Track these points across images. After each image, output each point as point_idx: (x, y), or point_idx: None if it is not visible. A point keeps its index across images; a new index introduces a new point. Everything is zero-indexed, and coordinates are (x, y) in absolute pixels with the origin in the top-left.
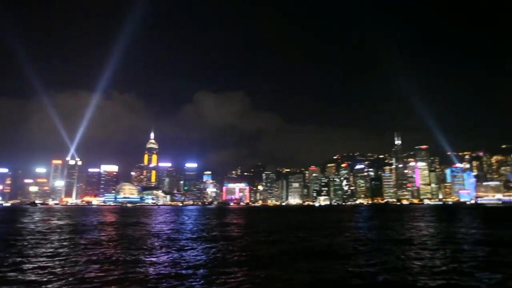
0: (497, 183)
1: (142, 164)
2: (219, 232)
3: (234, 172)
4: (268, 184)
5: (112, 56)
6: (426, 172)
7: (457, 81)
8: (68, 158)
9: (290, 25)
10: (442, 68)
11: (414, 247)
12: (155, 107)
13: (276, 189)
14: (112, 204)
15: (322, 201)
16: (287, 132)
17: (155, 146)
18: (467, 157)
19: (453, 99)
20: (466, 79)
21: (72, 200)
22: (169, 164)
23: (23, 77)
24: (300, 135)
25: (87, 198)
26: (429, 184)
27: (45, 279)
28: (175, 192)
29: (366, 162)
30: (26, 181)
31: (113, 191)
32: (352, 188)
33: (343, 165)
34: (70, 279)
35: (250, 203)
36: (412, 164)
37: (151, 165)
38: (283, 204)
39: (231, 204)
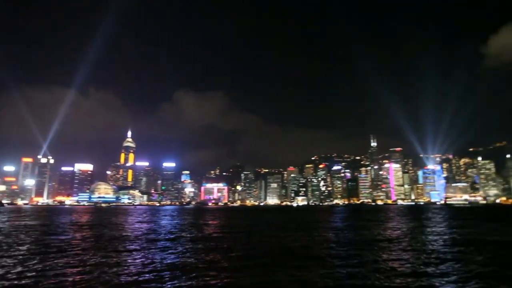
0: (465, 184)
1: (118, 163)
2: (196, 232)
3: (212, 172)
4: (247, 184)
5: (89, 52)
6: (400, 174)
7: (431, 87)
8: (39, 156)
9: (271, 26)
10: (416, 74)
11: (387, 247)
12: (132, 105)
13: (254, 189)
14: (86, 204)
15: (300, 201)
16: (267, 132)
17: (132, 145)
18: (437, 159)
19: (425, 104)
20: (439, 87)
21: (43, 200)
22: (147, 163)
23: None
24: (279, 136)
25: (59, 198)
26: (402, 185)
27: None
28: (152, 192)
29: (343, 163)
30: None
31: (87, 191)
32: (329, 188)
33: (320, 166)
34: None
35: (229, 203)
36: (387, 165)
37: (128, 164)
38: (262, 204)
39: (209, 204)
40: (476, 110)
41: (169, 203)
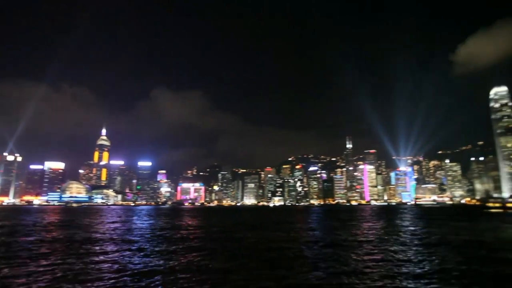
0: (433, 185)
1: (91, 162)
2: (171, 233)
3: (189, 171)
4: (224, 185)
5: (62, 46)
6: (373, 175)
7: (403, 93)
8: (5, 153)
9: (250, 27)
10: (390, 80)
11: (360, 247)
12: (108, 102)
13: (231, 190)
14: (57, 203)
15: (277, 201)
16: (245, 133)
17: (107, 143)
18: (409, 161)
19: (398, 108)
20: (411, 93)
21: (9, 200)
22: (122, 162)
23: None
24: (257, 136)
25: (27, 197)
26: (375, 186)
27: None
28: (127, 191)
29: (319, 164)
30: None
31: (58, 190)
32: (305, 189)
33: (297, 166)
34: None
35: (205, 203)
36: (361, 167)
37: (102, 163)
38: (239, 204)
39: (186, 204)
40: (445, 115)
41: (145, 203)
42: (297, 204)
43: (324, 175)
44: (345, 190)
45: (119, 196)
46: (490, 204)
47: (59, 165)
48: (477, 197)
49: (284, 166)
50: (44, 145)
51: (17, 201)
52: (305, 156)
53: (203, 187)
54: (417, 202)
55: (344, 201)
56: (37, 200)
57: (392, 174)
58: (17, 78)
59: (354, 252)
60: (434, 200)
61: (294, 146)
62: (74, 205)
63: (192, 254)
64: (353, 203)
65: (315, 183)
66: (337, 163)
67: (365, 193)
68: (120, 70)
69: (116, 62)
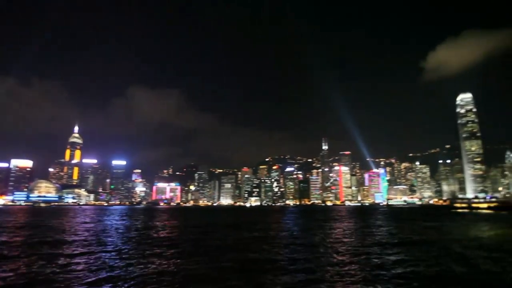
0: (404, 187)
1: (62, 160)
2: (145, 234)
3: (165, 171)
4: (200, 184)
5: (33, 38)
6: (348, 176)
7: (377, 97)
8: None
9: (228, 27)
10: (366, 85)
11: (335, 248)
12: (81, 99)
13: (208, 190)
14: (24, 203)
15: (253, 201)
16: (222, 133)
17: (79, 141)
18: (382, 163)
19: (372, 113)
20: (385, 96)
21: None
22: (95, 161)
23: None
24: (235, 137)
25: None
26: (350, 187)
27: None
28: (100, 191)
29: (296, 165)
30: None
31: (25, 189)
32: (282, 189)
33: (274, 167)
34: None
35: (181, 203)
36: (336, 168)
37: (74, 161)
38: (215, 204)
39: (161, 204)
40: (416, 120)
41: (118, 203)
42: (273, 204)
43: (301, 176)
44: (321, 191)
45: (92, 196)
46: (458, 205)
47: (27, 163)
48: (444, 198)
49: (261, 167)
50: (11, 142)
51: None
52: (282, 156)
53: (179, 187)
54: (388, 203)
55: (320, 201)
56: (1, 200)
57: (366, 176)
58: None
59: (330, 253)
60: (404, 201)
61: (271, 146)
62: (43, 205)
63: (165, 256)
64: (328, 203)
65: (291, 183)
66: (313, 164)
67: (340, 193)
68: (95, 65)
69: (91, 57)
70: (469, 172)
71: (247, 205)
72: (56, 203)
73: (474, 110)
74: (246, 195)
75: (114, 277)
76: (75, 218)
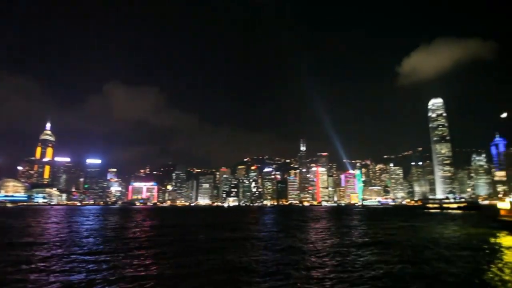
0: (379, 188)
1: (33, 158)
2: (116, 234)
3: (142, 170)
4: (178, 184)
5: (1, 29)
6: (325, 177)
7: (354, 100)
8: None
9: (209, 26)
10: (344, 88)
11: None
12: (55, 94)
13: (185, 189)
14: None
15: (231, 202)
16: (201, 132)
17: (51, 138)
18: (358, 164)
19: (350, 114)
20: (362, 100)
21: None
22: (68, 159)
23: None
24: (213, 136)
25: None
26: (327, 188)
27: None
28: (73, 190)
29: (274, 166)
30: None
31: None
32: (260, 190)
33: (252, 167)
34: None
35: (158, 203)
36: (314, 169)
37: (45, 160)
38: (192, 204)
39: (137, 204)
40: (391, 122)
41: (92, 202)
42: (251, 204)
43: (278, 176)
44: (298, 191)
45: (64, 196)
46: (430, 205)
47: None
48: (416, 199)
49: (239, 167)
50: None
51: None
52: (260, 157)
53: (156, 187)
54: (363, 203)
55: (297, 202)
56: None
57: (342, 177)
58: None
59: (307, 254)
60: (378, 201)
61: (250, 147)
62: (9, 205)
63: (139, 259)
64: (305, 204)
65: (269, 184)
66: (291, 165)
67: (317, 194)
68: (70, 60)
69: (66, 51)
70: (439, 174)
71: (225, 205)
72: (25, 203)
73: (444, 114)
74: (224, 195)
75: (84, 281)
76: (44, 218)
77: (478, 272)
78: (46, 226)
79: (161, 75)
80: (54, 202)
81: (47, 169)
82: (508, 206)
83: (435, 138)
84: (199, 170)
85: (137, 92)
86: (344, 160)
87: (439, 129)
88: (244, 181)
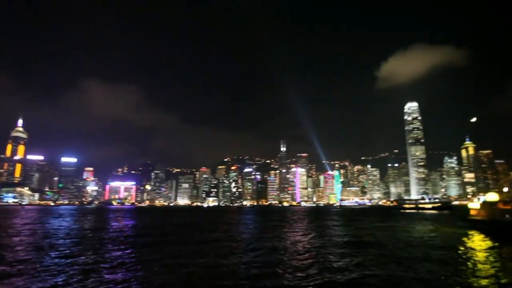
0: (356, 188)
1: (3, 156)
2: (90, 236)
3: (120, 169)
4: (157, 184)
5: None
6: (304, 178)
7: (334, 103)
8: None
9: (192, 25)
10: (324, 90)
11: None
12: (28, 89)
13: (165, 189)
14: None
15: (211, 202)
16: (181, 132)
17: (23, 135)
18: (336, 165)
19: (329, 116)
20: (341, 102)
21: None
22: (41, 157)
23: None
24: (194, 136)
25: None
26: (306, 188)
27: None
28: (47, 190)
29: (254, 166)
30: None
31: None
32: (239, 190)
33: (232, 167)
34: None
35: (136, 203)
36: (293, 169)
37: (16, 157)
38: (171, 204)
39: (114, 204)
40: (370, 125)
41: (67, 202)
42: (231, 204)
43: (258, 177)
44: (278, 192)
45: (36, 195)
46: (407, 205)
47: None
48: (392, 199)
49: (219, 167)
50: None
51: None
52: (240, 157)
53: (134, 186)
54: (341, 204)
55: (276, 202)
56: None
57: (321, 177)
58: None
59: (286, 256)
60: (356, 202)
61: (230, 147)
62: None
63: (114, 262)
64: (285, 204)
65: (249, 184)
66: (271, 165)
67: (296, 194)
68: (45, 54)
69: (41, 44)
70: (413, 175)
71: (205, 205)
72: None
73: (419, 118)
74: (204, 195)
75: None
76: (12, 219)
77: (452, 272)
78: (16, 228)
79: (142, 73)
80: (26, 202)
81: (18, 167)
82: (478, 206)
83: (410, 141)
84: (179, 170)
85: (116, 89)
86: (323, 161)
87: (414, 132)
88: (224, 181)
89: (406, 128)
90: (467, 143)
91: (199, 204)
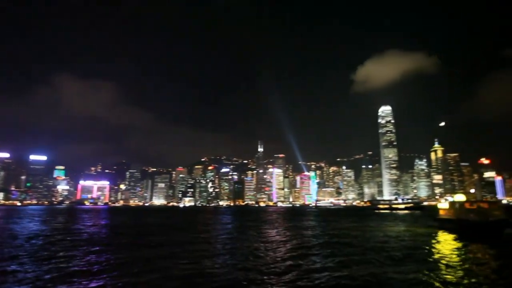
0: (332, 189)
1: None
2: (57, 238)
3: (93, 168)
4: (132, 183)
5: None
6: (281, 178)
7: (311, 104)
8: None
9: (170, 22)
10: (301, 92)
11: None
12: None
13: (140, 189)
14: None
15: (187, 202)
16: (158, 131)
17: None
18: (313, 166)
19: (306, 118)
20: (318, 104)
21: None
22: (7, 155)
23: None
24: (170, 135)
25: None
26: (283, 189)
27: None
28: (13, 189)
29: (231, 166)
30: None
31: None
32: (216, 190)
33: (210, 167)
34: None
35: (110, 203)
36: (270, 170)
37: None
38: (147, 204)
39: (86, 204)
40: (345, 127)
41: (36, 202)
42: (207, 205)
43: (236, 177)
44: (255, 192)
45: (1, 195)
46: (381, 206)
47: None
48: (365, 200)
49: (196, 167)
50: None
51: None
52: (218, 157)
53: (108, 186)
54: (317, 204)
55: (253, 202)
56: None
57: (298, 178)
58: None
59: (268, 258)
60: (331, 202)
61: (207, 147)
62: None
63: (86, 265)
64: (262, 204)
65: (226, 184)
66: (248, 166)
67: (273, 195)
68: (13, 46)
69: (10, 35)
70: (386, 176)
71: (181, 205)
72: None
73: (393, 121)
74: (180, 195)
75: None
76: None
77: (426, 270)
78: None
79: (118, 70)
80: None
81: None
82: (447, 206)
83: (383, 143)
84: (155, 169)
85: (91, 85)
86: (300, 162)
87: (388, 134)
88: (201, 181)
89: (380, 131)
90: (436, 146)
91: (175, 204)
